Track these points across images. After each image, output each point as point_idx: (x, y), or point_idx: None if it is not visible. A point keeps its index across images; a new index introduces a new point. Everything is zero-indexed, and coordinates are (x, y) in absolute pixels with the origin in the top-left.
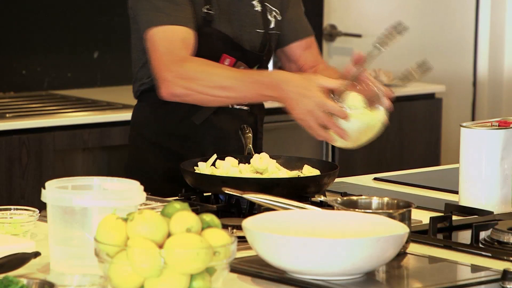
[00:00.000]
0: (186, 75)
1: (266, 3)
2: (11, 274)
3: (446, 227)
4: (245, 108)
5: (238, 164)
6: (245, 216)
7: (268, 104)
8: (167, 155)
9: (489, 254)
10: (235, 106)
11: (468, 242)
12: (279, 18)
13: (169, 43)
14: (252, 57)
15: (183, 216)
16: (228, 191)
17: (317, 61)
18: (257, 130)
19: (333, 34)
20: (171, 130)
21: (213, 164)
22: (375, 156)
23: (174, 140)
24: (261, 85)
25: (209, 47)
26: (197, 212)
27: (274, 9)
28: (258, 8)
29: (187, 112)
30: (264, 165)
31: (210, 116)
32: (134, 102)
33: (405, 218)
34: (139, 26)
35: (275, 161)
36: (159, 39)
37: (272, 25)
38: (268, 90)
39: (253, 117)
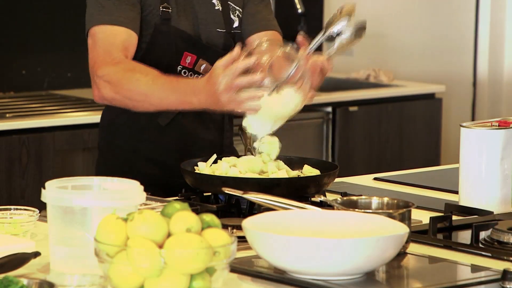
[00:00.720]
0: (111, 78)
1: (229, 2)
2: (11, 274)
3: (446, 227)
4: None
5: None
6: (245, 216)
7: None
8: (137, 158)
9: (489, 254)
10: None
11: (468, 242)
12: (241, 16)
13: (109, 44)
14: (215, 55)
15: (183, 216)
16: (228, 191)
17: None
18: (223, 127)
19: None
20: (139, 133)
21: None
22: (375, 156)
23: (143, 143)
24: (181, 92)
25: (169, 45)
26: (197, 212)
27: (237, 8)
28: (219, 7)
29: (153, 114)
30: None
31: (177, 116)
32: None
33: (405, 218)
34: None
35: (275, 161)
36: (99, 39)
37: (236, 25)
38: (188, 96)
39: (220, 115)
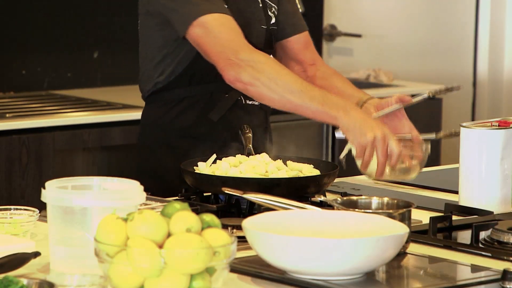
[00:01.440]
0: (255, 65)
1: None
2: (11, 274)
3: (446, 227)
4: (256, 103)
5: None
6: (245, 216)
7: None
8: (181, 155)
9: (489, 254)
10: (247, 102)
11: (468, 242)
12: (276, 13)
13: (229, 29)
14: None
15: (183, 216)
16: (228, 191)
17: (315, 59)
18: (267, 124)
19: (333, 34)
20: (185, 130)
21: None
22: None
23: (189, 140)
24: (327, 101)
25: None
26: (197, 212)
27: (273, 5)
28: (260, 4)
29: (202, 111)
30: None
31: (225, 113)
32: (134, 102)
33: (405, 218)
34: (174, 20)
35: (275, 161)
36: (215, 26)
37: (273, 21)
38: (333, 109)
39: (263, 112)
